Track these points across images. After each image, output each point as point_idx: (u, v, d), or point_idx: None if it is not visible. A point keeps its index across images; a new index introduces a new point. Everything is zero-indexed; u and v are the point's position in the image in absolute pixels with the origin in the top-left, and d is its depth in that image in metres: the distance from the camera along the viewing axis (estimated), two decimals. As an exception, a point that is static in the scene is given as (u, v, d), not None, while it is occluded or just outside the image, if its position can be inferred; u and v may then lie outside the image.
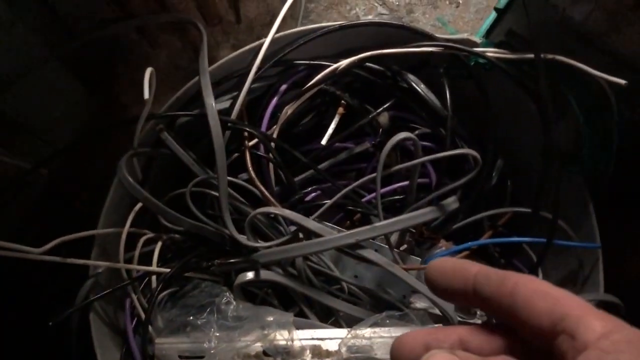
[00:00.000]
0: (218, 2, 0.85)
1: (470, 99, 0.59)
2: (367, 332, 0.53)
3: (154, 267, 0.56)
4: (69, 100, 0.72)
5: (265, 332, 0.54)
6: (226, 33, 0.90)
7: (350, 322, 0.60)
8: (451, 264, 0.28)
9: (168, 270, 0.57)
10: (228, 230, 0.55)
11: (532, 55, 0.53)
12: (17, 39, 0.59)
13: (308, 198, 0.64)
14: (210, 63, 0.58)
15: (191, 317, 0.53)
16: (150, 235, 0.60)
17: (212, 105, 0.54)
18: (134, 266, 0.56)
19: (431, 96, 0.59)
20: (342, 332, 0.56)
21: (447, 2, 0.97)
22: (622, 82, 0.48)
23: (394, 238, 0.59)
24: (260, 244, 0.56)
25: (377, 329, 0.55)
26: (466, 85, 0.59)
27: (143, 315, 0.56)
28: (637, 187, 0.59)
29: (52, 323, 0.52)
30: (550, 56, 0.53)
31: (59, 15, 0.68)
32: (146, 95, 0.49)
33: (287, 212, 0.56)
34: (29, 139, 0.66)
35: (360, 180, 0.58)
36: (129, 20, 0.73)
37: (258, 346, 0.55)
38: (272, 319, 0.53)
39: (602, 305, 0.55)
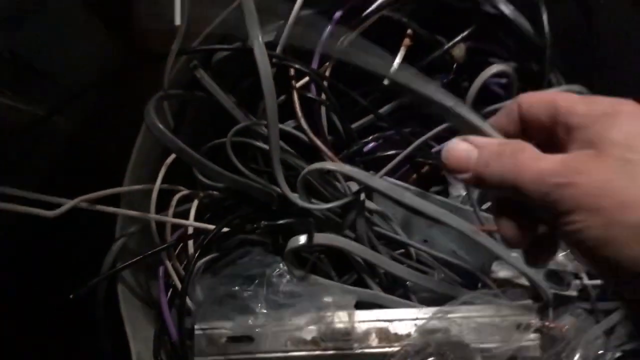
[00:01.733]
0: None
1: (568, 26, 0.48)
2: (452, 314, 0.44)
3: (191, 221, 0.48)
4: (88, 39, 0.63)
5: (322, 313, 0.46)
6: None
7: (419, 294, 0.52)
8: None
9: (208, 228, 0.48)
10: (279, 188, 0.46)
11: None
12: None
13: (367, 149, 0.54)
14: None
15: (237, 288, 0.45)
16: (185, 192, 0.51)
17: (259, 36, 0.44)
18: (169, 219, 0.47)
19: (523, 21, 0.48)
20: (413, 312, 0.47)
21: None
22: None
23: (476, 195, 0.50)
24: (316, 205, 0.47)
25: (464, 310, 0.46)
26: (565, 14, 0.48)
27: (179, 285, 0.48)
28: None
29: (73, 295, 0.44)
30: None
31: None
32: (177, 20, 0.39)
33: (348, 169, 0.46)
34: (46, 84, 0.58)
35: (438, 128, 0.48)
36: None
37: (314, 329, 0.47)
38: (330, 300, 0.45)
39: None
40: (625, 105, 0.25)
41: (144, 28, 0.59)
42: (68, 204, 0.39)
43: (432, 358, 0.46)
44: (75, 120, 0.53)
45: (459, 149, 0.28)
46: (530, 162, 0.26)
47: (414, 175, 0.56)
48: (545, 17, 0.47)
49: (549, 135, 0.27)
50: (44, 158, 0.52)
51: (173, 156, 0.50)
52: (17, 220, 0.40)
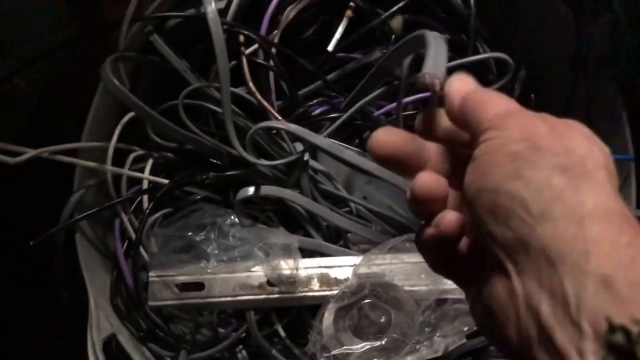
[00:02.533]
0: None
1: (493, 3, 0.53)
2: (384, 258, 0.49)
3: (146, 175, 0.51)
4: (43, 7, 0.65)
5: (269, 257, 0.50)
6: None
7: (358, 245, 0.56)
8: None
9: (162, 182, 0.52)
10: (230, 147, 0.50)
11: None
12: None
13: (313, 113, 0.58)
14: None
15: (190, 234, 0.48)
16: (140, 152, 0.54)
17: (212, 3, 0.48)
18: (125, 171, 0.51)
19: (453, -5, 0.53)
20: (351, 259, 0.52)
21: None
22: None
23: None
24: (265, 162, 0.51)
25: (394, 255, 0.51)
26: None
27: (134, 236, 0.52)
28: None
29: (33, 243, 0.47)
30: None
31: None
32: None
33: (294, 127, 0.50)
34: (6, 55, 0.60)
35: (376, 92, 0.53)
36: None
37: (262, 275, 0.51)
38: (275, 239, 0.49)
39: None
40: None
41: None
42: (29, 152, 0.42)
43: (368, 299, 0.51)
44: (34, 84, 0.56)
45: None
46: None
47: (357, 141, 0.60)
48: (471, -8, 0.52)
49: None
50: (5, 118, 0.54)
51: (128, 116, 0.53)
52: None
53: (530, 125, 0.23)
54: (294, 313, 0.55)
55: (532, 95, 0.59)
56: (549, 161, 0.22)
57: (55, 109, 0.59)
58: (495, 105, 0.25)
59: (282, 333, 0.54)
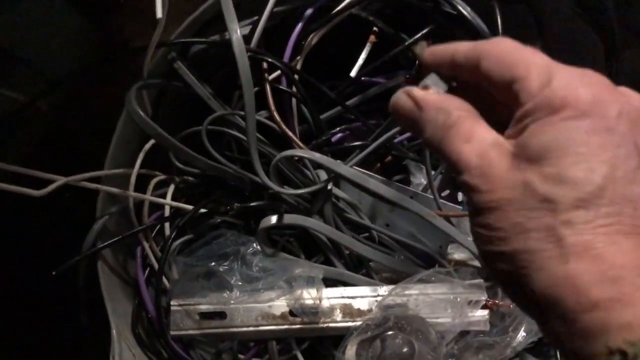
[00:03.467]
0: None
1: (520, 28, 0.52)
2: (410, 290, 0.48)
3: (168, 200, 0.51)
4: (68, 30, 0.65)
5: (292, 288, 0.50)
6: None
7: (381, 274, 0.55)
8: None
9: (185, 207, 0.51)
10: (254, 174, 0.49)
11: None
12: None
13: (335, 139, 0.57)
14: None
15: (213, 264, 0.48)
16: (162, 177, 0.54)
17: (237, 31, 0.47)
18: (147, 197, 0.50)
19: (479, 22, 0.52)
20: (375, 290, 0.51)
21: None
22: None
23: (436, 184, 0.54)
24: (289, 190, 0.51)
25: (421, 287, 0.50)
26: (517, 11, 0.52)
27: (156, 265, 0.51)
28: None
29: (56, 272, 0.47)
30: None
31: None
32: (159, 13, 0.42)
33: (317, 156, 0.50)
34: (27, 72, 0.60)
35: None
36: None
37: (284, 305, 0.50)
38: (299, 271, 0.48)
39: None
40: (574, 100, 0.22)
41: (124, 20, 0.61)
42: (55, 182, 0.42)
43: (391, 331, 0.50)
44: (56, 106, 0.56)
45: (401, 103, 0.28)
46: (455, 142, 0.24)
47: (378, 165, 0.60)
48: (499, 18, 0.51)
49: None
50: (27, 142, 0.54)
51: (151, 143, 0.53)
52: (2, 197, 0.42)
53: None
54: (313, 340, 0.54)
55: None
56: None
57: (77, 132, 0.59)
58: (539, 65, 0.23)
59: (302, 360, 0.53)
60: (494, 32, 0.52)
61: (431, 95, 0.27)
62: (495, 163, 0.23)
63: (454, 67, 0.27)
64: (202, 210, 0.52)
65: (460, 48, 0.27)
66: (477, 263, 0.54)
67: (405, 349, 0.50)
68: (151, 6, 0.45)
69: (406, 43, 0.54)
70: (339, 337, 0.51)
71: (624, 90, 0.23)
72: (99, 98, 0.60)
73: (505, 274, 0.22)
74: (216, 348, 0.54)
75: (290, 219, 0.50)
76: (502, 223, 0.22)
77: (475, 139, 0.24)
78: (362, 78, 0.58)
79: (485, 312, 0.51)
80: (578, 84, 0.22)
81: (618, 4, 0.46)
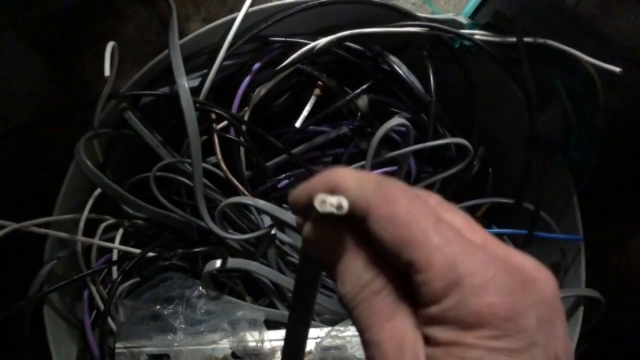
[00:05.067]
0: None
1: (452, 85, 0.56)
2: (347, 332, 0.51)
3: (116, 245, 0.52)
4: (28, 74, 0.67)
5: (235, 330, 0.52)
6: (197, 5, 0.85)
7: (322, 315, 0.58)
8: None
9: (133, 252, 0.53)
10: (200, 220, 0.51)
11: (515, 38, 0.50)
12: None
13: (281, 185, 0.60)
14: (180, 37, 0.53)
15: (158, 307, 0.50)
16: (111, 221, 0.56)
17: (185, 85, 0.50)
18: (95, 241, 0.52)
19: (414, 79, 0.56)
20: (316, 332, 0.53)
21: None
22: (617, 69, 0.45)
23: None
24: (235, 235, 0.53)
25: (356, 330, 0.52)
26: (449, 69, 0.56)
27: (102, 307, 0.53)
28: (620, 178, 0.58)
29: (2, 316, 0.48)
30: (540, 40, 0.50)
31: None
32: (107, 72, 0.45)
33: (261, 203, 0.52)
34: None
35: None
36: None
37: (227, 348, 0.52)
38: (242, 313, 0.50)
39: (584, 299, 0.54)
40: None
41: (84, 64, 0.63)
42: (5, 228, 0.43)
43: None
44: (14, 150, 0.57)
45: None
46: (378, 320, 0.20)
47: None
48: (431, 77, 0.55)
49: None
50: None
51: (99, 190, 0.54)
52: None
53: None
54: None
55: (490, 170, 0.62)
56: None
57: (33, 176, 0.60)
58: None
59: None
60: (426, 88, 0.56)
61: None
62: None
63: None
64: (149, 257, 0.53)
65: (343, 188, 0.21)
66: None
67: None
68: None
69: (347, 97, 0.57)
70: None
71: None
72: (57, 143, 0.62)
73: None
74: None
75: (234, 262, 0.52)
76: None
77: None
78: (309, 127, 0.61)
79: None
80: (491, 287, 0.19)
81: (532, 59, 0.50)
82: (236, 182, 0.54)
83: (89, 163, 0.47)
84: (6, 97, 0.63)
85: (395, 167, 0.59)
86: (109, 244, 0.53)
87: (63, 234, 0.50)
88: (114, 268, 0.54)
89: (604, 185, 0.55)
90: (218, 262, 0.51)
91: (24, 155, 0.62)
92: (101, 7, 0.76)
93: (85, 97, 0.61)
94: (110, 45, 0.46)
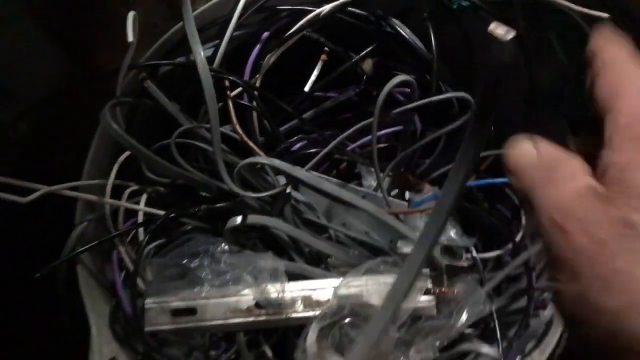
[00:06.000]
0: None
1: (454, 48, 0.59)
2: (360, 280, 0.54)
3: (142, 207, 0.56)
4: (43, 57, 0.70)
5: (257, 281, 0.55)
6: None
7: (337, 268, 0.61)
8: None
9: (158, 213, 0.56)
10: (222, 181, 0.54)
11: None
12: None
13: (294, 148, 0.63)
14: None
15: (184, 261, 0.53)
16: (135, 187, 0.59)
17: (201, 53, 0.53)
18: (122, 204, 0.55)
19: (416, 40, 0.59)
20: (332, 282, 0.57)
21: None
22: (605, 15, 0.48)
23: (385, 185, 0.60)
24: (251, 194, 0.56)
25: (370, 276, 0.55)
26: (449, 32, 0.59)
27: (131, 267, 0.56)
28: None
29: (38, 275, 0.51)
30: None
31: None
32: (130, 37, 0.48)
33: (277, 162, 0.55)
34: (8, 101, 0.65)
35: (352, 129, 0.58)
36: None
37: (250, 299, 0.55)
38: (263, 263, 0.53)
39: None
40: None
41: (98, 46, 0.66)
42: (39, 191, 0.47)
43: (348, 319, 0.55)
44: (35, 126, 0.60)
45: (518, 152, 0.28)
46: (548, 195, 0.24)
47: (334, 172, 0.65)
48: (432, 37, 0.58)
49: None
50: (9, 158, 0.58)
51: (124, 156, 0.58)
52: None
53: None
54: (280, 334, 0.59)
55: (492, 127, 0.65)
56: None
57: (55, 149, 0.63)
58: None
59: (269, 353, 0.58)
60: (428, 48, 0.59)
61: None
62: (590, 206, 0.22)
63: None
64: (173, 216, 0.56)
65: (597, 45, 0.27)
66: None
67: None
68: (122, 32, 0.51)
69: (353, 60, 0.60)
70: (301, 328, 0.56)
71: None
72: (74, 118, 0.66)
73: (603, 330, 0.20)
74: (188, 345, 0.59)
75: (253, 219, 0.55)
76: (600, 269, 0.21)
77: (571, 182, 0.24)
78: (316, 93, 0.64)
79: (432, 297, 0.57)
80: None
81: (527, 17, 0.53)
82: (252, 144, 0.57)
83: (115, 126, 0.50)
84: (25, 79, 0.66)
85: (401, 127, 0.62)
86: (135, 206, 0.56)
87: (92, 197, 0.53)
88: (141, 230, 0.57)
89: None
90: (239, 219, 0.55)
91: (46, 131, 0.65)
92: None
93: (103, 72, 0.64)
94: (131, 14, 0.49)
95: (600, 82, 0.25)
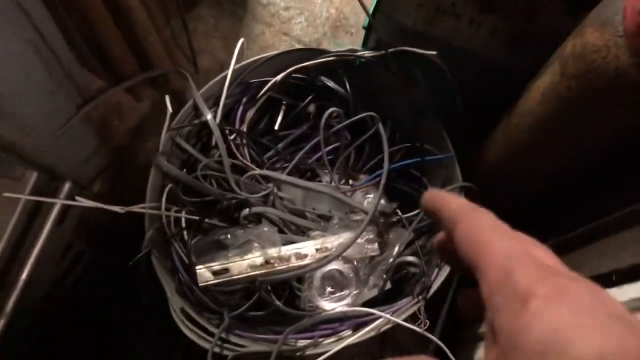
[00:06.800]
0: (180, 59, 1.20)
1: (360, 87, 0.96)
2: (331, 238, 0.87)
3: (184, 215, 0.89)
4: (89, 149, 1.05)
5: (263, 248, 0.87)
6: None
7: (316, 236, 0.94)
8: (429, 196, 0.33)
9: (195, 219, 0.90)
10: (234, 191, 0.88)
11: (384, 51, 0.90)
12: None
13: (273, 165, 0.98)
14: (181, 103, 0.92)
15: (215, 237, 0.85)
16: (177, 208, 0.92)
17: (212, 118, 0.88)
18: (172, 214, 0.88)
19: (338, 87, 0.95)
20: (312, 243, 0.89)
21: (344, 33, 1.35)
22: (433, 52, 0.85)
23: (336, 178, 0.94)
24: (253, 195, 0.90)
25: (339, 236, 0.89)
26: (357, 78, 0.96)
27: (183, 253, 0.88)
28: (472, 115, 0.97)
29: (131, 262, 0.83)
30: (400, 48, 0.90)
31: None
32: (169, 108, 0.83)
33: (266, 171, 0.90)
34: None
35: (308, 146, 0.94)
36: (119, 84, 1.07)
37: (261, 259, 0.88)
38: (266, 234, 0.86)
39: (463, 189, 0.91)
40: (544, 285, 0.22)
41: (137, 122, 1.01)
42: (134, 207, 0.80)
43: (334, 266, 0.88)
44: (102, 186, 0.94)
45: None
46: None
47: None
48: (346, 82, 0.94)
49: None
50: (103, 188, 0.91)
51: (168, 187, 0.91)
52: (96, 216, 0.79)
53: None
54: (287, 288, 0.91)
55: (397, 136, 1.01)
56: None
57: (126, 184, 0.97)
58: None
59: (277, 302, 0.90)
60: (346, 91, 0.95)
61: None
62: None
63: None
64: (203, 219, 0.90)
65: (445, 209, 0.30)
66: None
67: (349, 274, 0.88)
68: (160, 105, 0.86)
69: (301, 106, 0.96)
70: (297, 277, 0.88)
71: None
72: (137, 166, 0.99)
73: None
74: (228, 292, 0.90)
75: (255, 209, 0.89)
76: None
77: None
78: (282, 132, 0.99)
79: (375, 244, 0.90)
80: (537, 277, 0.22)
81: (398, 60, 0.90)
82: (249, 163, 0.92)
83: (167, 164, 0.84)
84: (80, 164, 1.01)
85: (338, 143, 0.97)
86: (181, 215, 0.89)
87: (155, 211, 0.86)
88: (184, 232, 0.90)
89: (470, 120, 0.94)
90: (247, 210, 0.88)
91: (110, 187, 0.99)
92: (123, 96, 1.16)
93: (145, 137, 0.99)
94: (167, 98, 0.84)
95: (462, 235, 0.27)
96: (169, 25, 1.24)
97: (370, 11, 0.91)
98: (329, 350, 0.80)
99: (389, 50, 0.89)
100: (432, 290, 0.85)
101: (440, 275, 0.86)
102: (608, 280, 0.63)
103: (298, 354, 0.82)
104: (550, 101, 0.70)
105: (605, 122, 0.66)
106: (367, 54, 0.93)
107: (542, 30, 0.81)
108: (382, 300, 0.89)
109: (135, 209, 0.85)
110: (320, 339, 0.84)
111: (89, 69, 1.08)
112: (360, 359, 1.13)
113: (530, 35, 0.83)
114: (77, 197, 0.77)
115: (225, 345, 0.80)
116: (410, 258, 0.89)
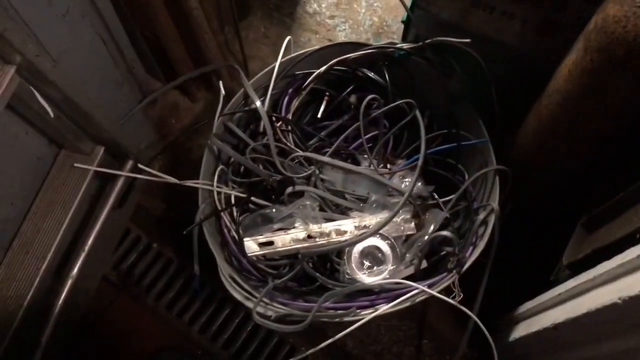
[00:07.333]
0: (232, 63, 1.29)
1: (399, 78, 1.02)
2: (367, 217, 0.93)
3: (233, 191, 0.96)
4: (147, 140, 1.15)
5: (306, 223, 0.94)
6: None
7: (355, 215, 0.99)
8: None
9: (243, 196, 0.97)
10: (280, 172, 0.95)
11: (421, 42, 0.96)
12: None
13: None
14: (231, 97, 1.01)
15: (262, 211, 0.92)
16: (226, 188, 1.00)
17: (261, 105, 0.96)
18: (223, 190, 0.96)
19: (378, 78, 1.02)
20: (350, 221, 0.95)
21: (386, 39, 1.43)
22: (467, 40, 0.90)
23: (375, 162, 1.00)
24: (296, 175, 0.97)
25: (376, 215, 0.94)
26: (396, 69, 1.02)
27: (232, 228, 0.95)
28: (505, 105, 1.01)
29: (185, 232, 0.91)
30: (437, 39, 0.96)
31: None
32: (222, 91, 0.91)
33: (309, 154, 0.97)
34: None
35: (347, 132, 1.00)
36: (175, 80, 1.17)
37: (304, 233, 0.94)
38: (309, 205, 0.93)
39: (498, 172, 0.95)
40: None
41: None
42: (188, 182, 0.88)
43: (370, 244, 0.93)
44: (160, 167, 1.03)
45: None
46: None
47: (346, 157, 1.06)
48: (386, 74, 1.01)
49: None
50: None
51: (219, 168, 0.99)
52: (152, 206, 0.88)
53: None
54: (327, 264, 0.96)
55: (434, 125, 1.06)
56: None
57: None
58: None
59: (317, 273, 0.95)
60: (385, 82, 1.01)
61: None
62: None
63: None
64: (249, 197, 0.97)
65: None
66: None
67: (386, 250, 0.93)
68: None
69: (342, 96, 1.03)
70: (338, 252, 0.93)
71: None
72: (195, 144, 1.08)
73: None
74: (272, 263, 0.96)
75: (299, 187, 0.95)
76: None
77: None
78: (325, 122, 1.06)
79: (413, 224, 0.95)
80: None
81: (436, 52, 0.96)
82: (293, 147, 0.99)
83: (221, 143, 0.92)
84: (142, 150, 1.10)
85: (377, 132, 1.03)
86: (231, 191, 0.96)
87: (207, 187, 0.94)
88: (234, 208, 0.97)
89: (503, 108, 0.98)
90: (290, 188, 0.95)
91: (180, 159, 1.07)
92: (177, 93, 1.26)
93: (202, 122, 1.08)
94: (220, 83, 0.92)
95: None
96: (223, 32, 1.34)
97: (409, 6, 0.98)
98: (363, 318, 0.84)
99: (426, 41, 0.96)
100: (466, 265, 0.88)
101: (475, 252, 0.90)
102: (632, 238, 0.67)
103: (336, 319, 0.87)
104: (575, 77, 0.75)
105: (624, 95, 0.70)
106: (405, 45, 1.00)
107: (569, 20, 0.86)
108: (419, 278, 0.93)
109: (190, 183, 0.93)
110: (359, 310, 0.89)
111: (148, 72, 1.19)
112: (399, 346, 1.17)
113: (558, 25, 0.88)
114: (139, 165, 0.85)
115: (269, 306, 0.86)
116: (445, 232, 0.93)
